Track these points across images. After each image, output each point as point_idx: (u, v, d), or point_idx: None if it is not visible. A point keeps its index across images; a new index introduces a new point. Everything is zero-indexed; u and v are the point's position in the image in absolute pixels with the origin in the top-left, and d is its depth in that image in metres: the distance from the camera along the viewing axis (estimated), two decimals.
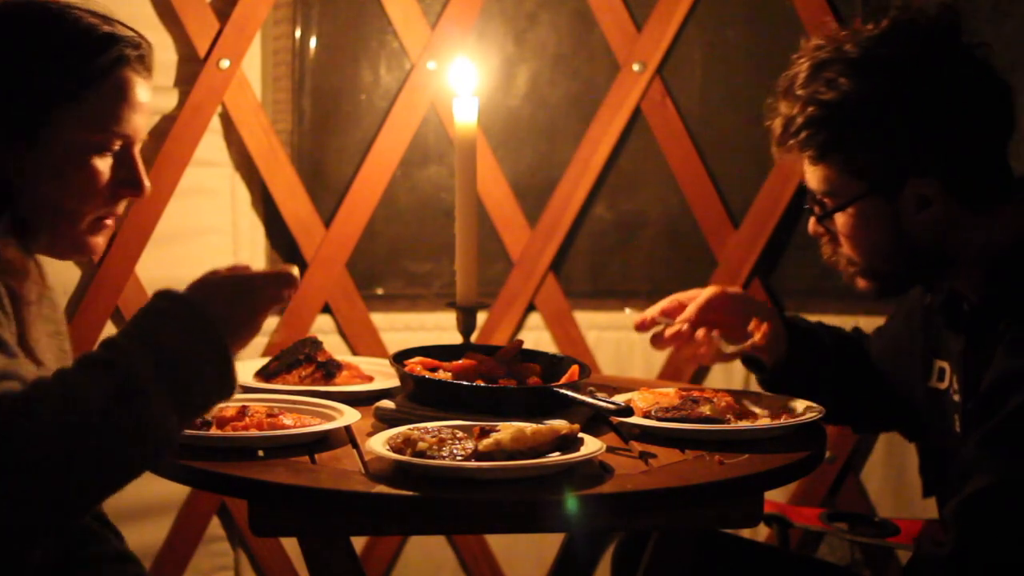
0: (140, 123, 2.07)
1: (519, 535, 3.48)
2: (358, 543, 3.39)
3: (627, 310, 2.49)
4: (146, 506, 3.33)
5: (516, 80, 3.60)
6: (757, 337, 2.36)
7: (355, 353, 3.43)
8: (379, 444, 1.99)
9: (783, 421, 2.25)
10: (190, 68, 3.34)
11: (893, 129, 2.11)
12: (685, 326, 2.40)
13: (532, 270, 3.59)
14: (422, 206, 3.61)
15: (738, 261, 3.60)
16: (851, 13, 3.49)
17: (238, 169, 3.45)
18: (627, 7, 3.54)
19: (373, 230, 3.57)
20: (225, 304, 1.80)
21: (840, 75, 2.12)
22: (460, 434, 2.02)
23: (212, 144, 3.38)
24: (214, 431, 2.08)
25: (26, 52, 1.98)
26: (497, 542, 3.64)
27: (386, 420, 2.24)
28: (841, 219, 2.19)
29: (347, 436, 2.17)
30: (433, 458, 1.94)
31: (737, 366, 3.57)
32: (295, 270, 1.89)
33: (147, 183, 2.08)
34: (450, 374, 2.33)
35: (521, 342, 2.48)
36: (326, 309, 3.53)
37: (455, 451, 1.96)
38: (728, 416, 2.24)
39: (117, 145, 2.04)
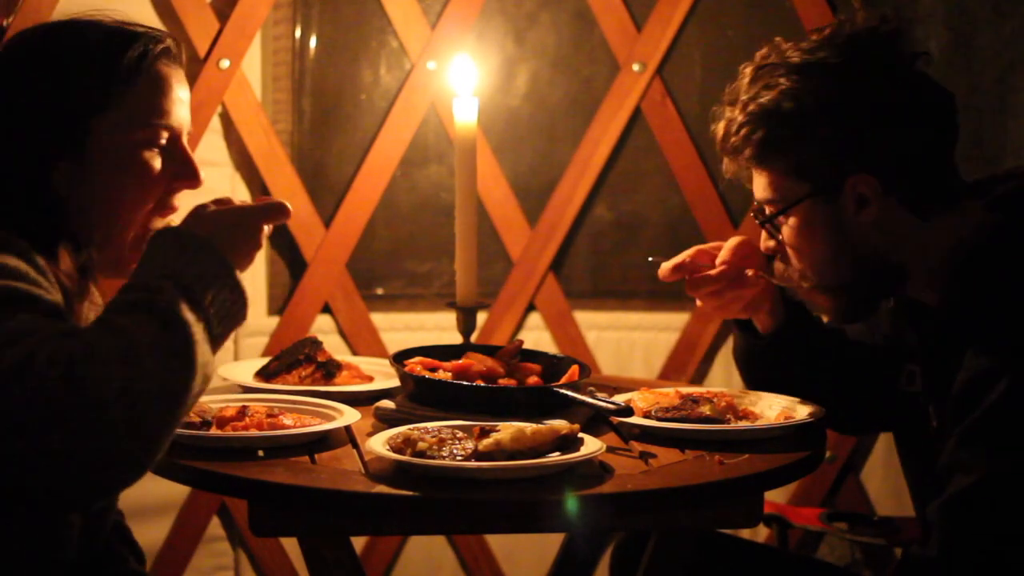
0: (182, 114, 2.07)
1: (519, 535, 3.49)
2: (358, 543, 3.39)
3: (651, 258, 2.46)
4: (146, 506, 3.33)
5: (516, 80, 3.60)
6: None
7: (355, 353, 3.43)
8: (379, 444, 1.99)
9: (783, 421, 2.25)
10: (190, 68, 3.31)
11: (829, 126, 2.14)
12: (725, 267, 2.39)
13: (532, 270, 3.60)
14: (422, 206, 3.61)
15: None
16: (851, 13, 3.49)
17: (238, 169, 3.46)
18: (627, 7, 3.55)
19: (373, 230, 3.57)
20: (227, 234, 1.86)
21: (779, 77, 2.16)
22: (460, 434, 2.02)
23: (212, 144, 3.38)
24: (214, 431, 2.08)
25: (53, 70, 1.99)
26: (497, 542, 3.64)
27: (386, 420, 2.24)
28: (787, 230, 2.21)
29: (347, 436, 2.17)
30: (433, 458, 1.94)
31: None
32: (287, 203, 1.95)
33: (201, 173, 2.09)
34: (450, 374, 2.33)
35: (521, 342, 2.48)
36: (326, 309, 3.53)
37: (455, 451, 1.96)
38: (728, 416, 2.24)
39: (163, 139, 2.04)
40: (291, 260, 3.54)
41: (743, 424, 2.23)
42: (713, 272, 2.40)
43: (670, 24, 3.55)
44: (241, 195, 3.44)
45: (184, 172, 2.07)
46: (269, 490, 1.93)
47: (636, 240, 3.68)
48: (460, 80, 2.54)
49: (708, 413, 2.21)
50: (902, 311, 2.29)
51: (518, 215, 3.59)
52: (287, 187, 3.44)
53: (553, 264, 3.61)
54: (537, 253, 3.60)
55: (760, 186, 2.23)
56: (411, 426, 2.07)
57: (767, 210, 2.23)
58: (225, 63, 3.35)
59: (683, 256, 2.43)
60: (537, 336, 3.59)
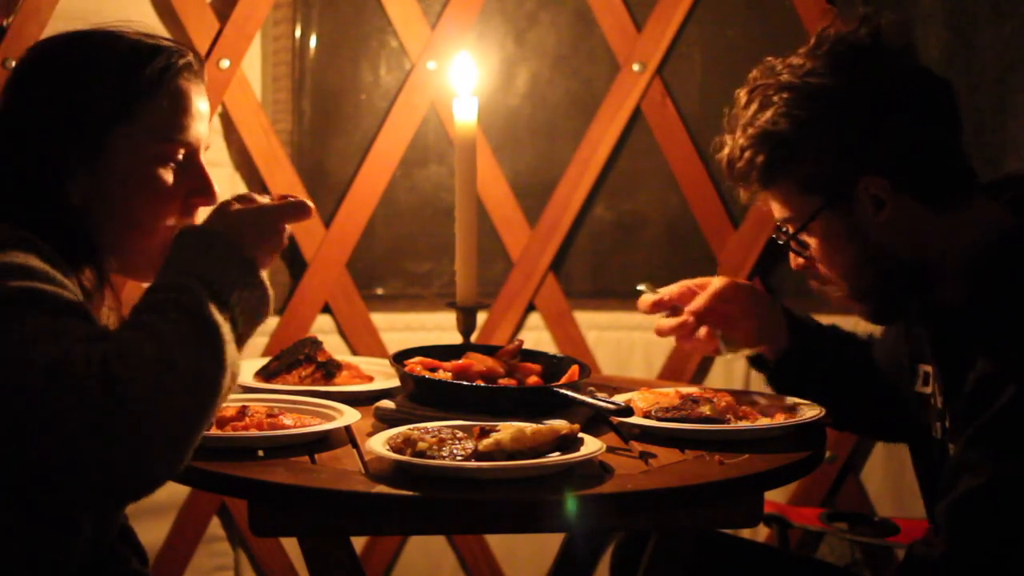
0: (201, 129, 2.07)
1: (519, 535, 3.49)
2: (358, 543, 3.39)
3: (640, 286, 2.46)
4: (146, 506, 3.29)
5: (516, 80, 3.60)
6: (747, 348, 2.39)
7: (355, 353, 3.43)
8: (379, 444, 1.99)
9: (783, 421, 2.25)
10: None
11: (827, 137, 2.14)
12: (691, 318, 2.41)
13: (532, 270, 3.60)
14: (422, 206, 3.61)
15: (738, 261, 3.61)
16: (851, 13, 3.49)
17: (238, 169, 3.46)
18: (627, 7, 3.55)
19: (373, 230, 3.57)
20: (249, 233, 1.87)
21: (772, 96, 2.17)
22: (460, 434, 2.02)
23: (212, 144, 3.37)
24: (214, 431, 2.07)
25: (76, 80, 1.99)
26: (497, 542, 3.64)
27: (386, 420, 2.24)
28: (812, 244, 2.21)
29: (347, 436, 2.17)
30: (433, 458, 1.94)
31: (737, 365, 3.58)
32: (309, 203, 1.95)
33: (217, 190, 2.09)
34: (450, 374, 2.33)
35: (521, 342, 2.48)
36: (326, 309, 3.53)
37: (455, 451, 1.96)
38: (728, 416, 2.24)
39: (180, 154, 2.04)
40: (291, 260, 3.54)
41: (743, 424, 2.23)
42: (675, 322, 2.43)
43: (670, 24, 3.55)
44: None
45: (200, 188, 2.07)
46: (269, 490, 1.93)
47: (636, 240, 3.68)
48: (460, 80, 2.54)
49: (708, 413, 2.21)
50: (918, 310, 2.29)
51: (518, 215, 3.59)
52: (287, 187, 3.44)
53: (553, 264, 3.61)
54: (537, 253, 3.60)
55: (775, 207, 2.23)
56: (411, 426, 2.07)
57: (788, 229, 2.23)
58: (225, 63, 3.35)
59: (667, 292, 2.45)
60: (537, 336, 3.59)
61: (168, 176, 2.03)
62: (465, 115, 2.51)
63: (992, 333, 2.07)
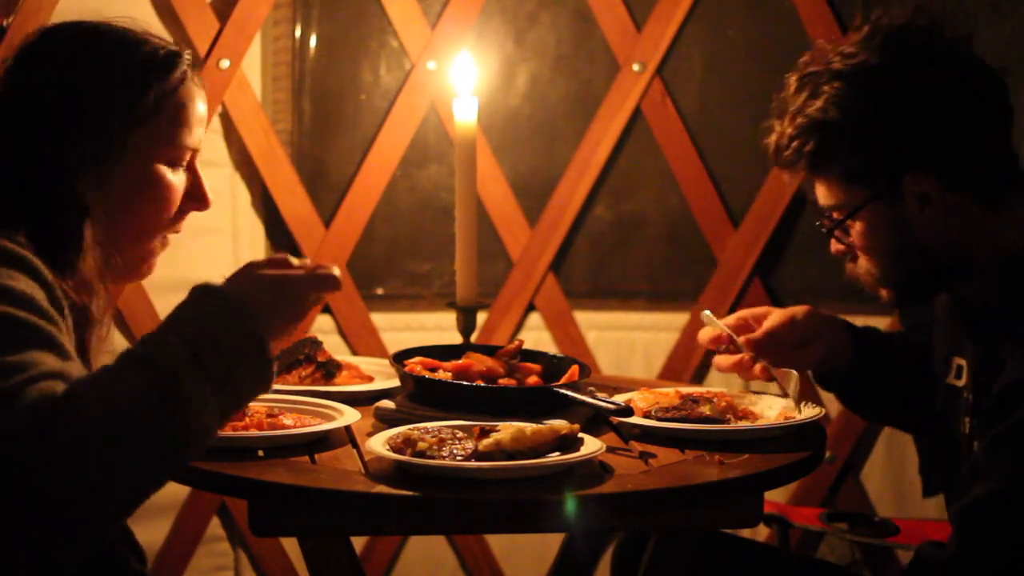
0: (201, 133, 2.07)
1: (519, 535, 3.48)
2: (358, 543, 3.39)
3: (705, 313, 2.44)
4: (146, 506, 3.28)
5: (516, 80, 3.60)
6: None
7: (355, 353, 3.43)
8: (379, 444, 1.99)
9: (783, 421, 2.25)
10: None
11: (877, 129, 2.12)
12: (747, 357, 2.38)
13: (532, 270, 3.60)
14: (422, 206, 3.61)
15: (738, 261, 3.61)
16: (851, 13, 3.49)
17: (238, 169, 3.46)
18: (627, 7, 3.54)
19: (373, 230, 3.57)
20: (266, 301, 1.75)
21: (823, 84, 2.15)
22: (460, 434, 2.02)
23: (212, 144, 3.38)
24: None
25: (96, 80, 1.97)
26: (497, 542, 3.64)
27: (386, 420, 2.24)
28: (855, 231, 2.19)
29: (347, 436, 2.17)
30: (433, 458, 1.94)
31: None
32: (336, 271, 1.82)
33: (211, 196, 2.08)
34: (450, 374, 2.33)
35: (521, 342, 2.48)
36: (326, 309, 3.53)
37: (455, 451, 1.96)
38: (728, 416, 2.24)
39: (186, 159, 2.05)
40: None
41: (743, 424, 2.23)
42: (732, 361, 2.39)
43: (670, 24, 3.55)
44: (241, 195, 3.45)
45: (195, 195, 2.07)
46: (269, 490, 1.93)
47: (636, 240, 3.68)
48: (460, 80, 2.54)
49: (708, 413, 2.21)
50: (955, 303, 2.27)
51: (518, 215, 3.59)
52: (287, 187, 3.45)
53: (553, 264, 3.61)
54: (537, 253, 3.60)
55: (820, 193, 2.22)
56: (411, 426, 2.07)
57: (833, 216, 2.21)
58: (225, 63, 3.35)
59: (724, 323, 2.41)
60: (537, 336, 3.59)
61: (175, 181, 2.04)
62: (465, 115, 2.51)
63: (1022, 338, 2.06)
